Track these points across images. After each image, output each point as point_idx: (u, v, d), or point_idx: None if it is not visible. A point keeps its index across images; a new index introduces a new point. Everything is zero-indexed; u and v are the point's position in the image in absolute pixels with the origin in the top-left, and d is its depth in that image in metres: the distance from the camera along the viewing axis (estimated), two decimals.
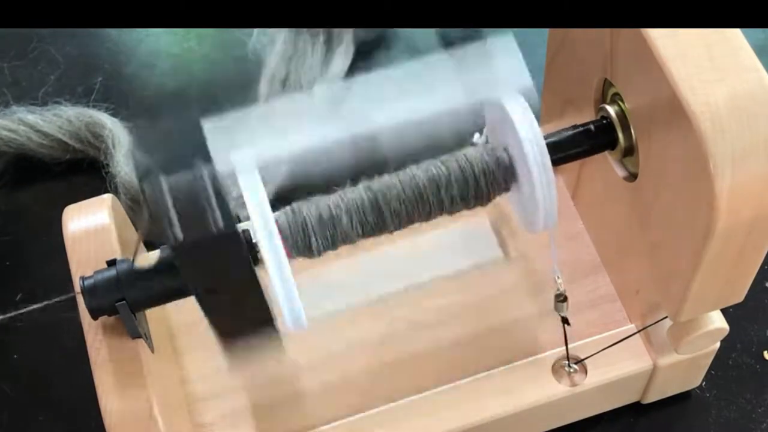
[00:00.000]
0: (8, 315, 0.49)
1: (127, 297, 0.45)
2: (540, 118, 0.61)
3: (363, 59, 0.77)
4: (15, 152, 0.72)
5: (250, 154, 0.46)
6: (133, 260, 0.47)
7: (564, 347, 0.55)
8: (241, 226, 0.44)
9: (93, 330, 0.48)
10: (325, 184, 0.48)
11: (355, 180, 0.48)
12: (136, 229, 0.59)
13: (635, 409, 0.60)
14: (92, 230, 0.51)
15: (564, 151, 0.50)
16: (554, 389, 0.55)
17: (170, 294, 0.46)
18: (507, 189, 0.50)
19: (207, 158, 0.42)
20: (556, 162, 0.49)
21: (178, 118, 0.43)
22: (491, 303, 0.60)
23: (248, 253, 0.43)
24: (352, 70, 0.76)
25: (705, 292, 0.48)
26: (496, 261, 0.58)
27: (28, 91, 0.77)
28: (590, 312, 0.58)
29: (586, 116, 0.53)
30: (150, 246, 0.60)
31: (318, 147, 0.45)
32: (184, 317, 0.59)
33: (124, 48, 0.80)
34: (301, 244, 0.47)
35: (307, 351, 0.58)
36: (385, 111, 0.46)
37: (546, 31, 0.57)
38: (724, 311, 0.53)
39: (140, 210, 0.66)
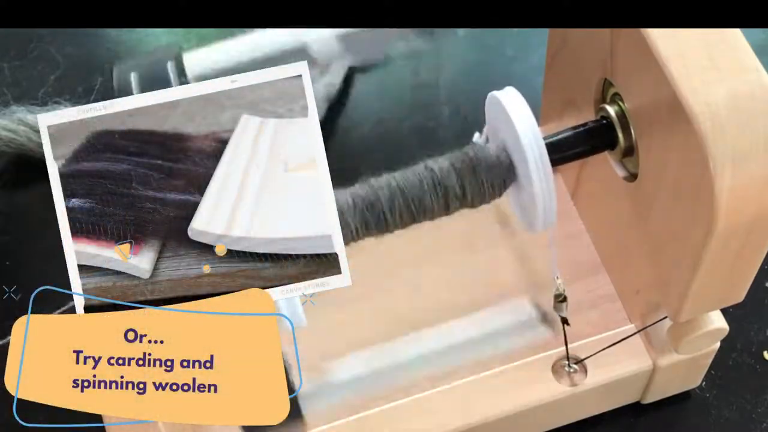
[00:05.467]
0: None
1: None
2: (540, 118, 0.61)
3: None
4: (15, 152, 0.72)
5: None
6: None
7: (564, 347, 0.55)
8: None
9: None
10: None
11: None
12: None
13: (635, 409, 0.60)
14: None
15: (564, 151, 0.50)
16: (554, 389, 0.55)
17: None
18: (507, 189, 0.50)
19: None
20: (556, 162, 0.49)
21: None
22: (491, 303, 0.60)
23: None
24: (352, 70, 0.76)
25: (705, 292, 0.48)
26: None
27: (28, 91, 0.77)
28: (590, 312, 0.58)
29: (586, 116, 0.53)
30: None
31: None
32: None
33: (124, 48, 0.80)
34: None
35: (307, 351, 0.57)
36: None
37: (546, 31, 0.57)
38: (724, 311, 0.53)
39: None
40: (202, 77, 0.72)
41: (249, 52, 0.72)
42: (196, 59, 0.71)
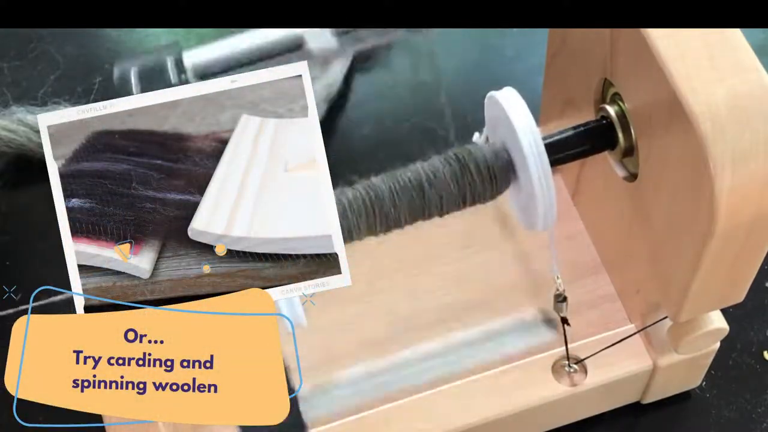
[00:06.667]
0: (7, 312, 0.49)
1: None
2: (540, 118, 0.61)
3: (363, 59, 0.77)
4: (15, 152, 0.72)
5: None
6: None
7: (564, 347, 0.55)
8: None
9: None
10: None
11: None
12: None
13: (635, 409, 0.60)
14: None
15: (564, 151, 0.50)
16: (554, 389, 0.55)
17: None
18: (506, 188, 0.50)
19: None
20: (556, 162, 0.49)
21: None
22: (491, 303, 0.60)
23: None
24: (352, 70, 0.76)
25: (705, 293, 0.48)
26: None
27: (28, 91, 0.77)
28: (590, 312, 0.58)
29: (586, 116, 0.53)
30: None
31: None
32: None
33: (124, 48, 0.80)
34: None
35: (307, 351, 0.57)
36: None
37: (546, 31, 0.57)
38: (724, 311, 0.53)
39: None
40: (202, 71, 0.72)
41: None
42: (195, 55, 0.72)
